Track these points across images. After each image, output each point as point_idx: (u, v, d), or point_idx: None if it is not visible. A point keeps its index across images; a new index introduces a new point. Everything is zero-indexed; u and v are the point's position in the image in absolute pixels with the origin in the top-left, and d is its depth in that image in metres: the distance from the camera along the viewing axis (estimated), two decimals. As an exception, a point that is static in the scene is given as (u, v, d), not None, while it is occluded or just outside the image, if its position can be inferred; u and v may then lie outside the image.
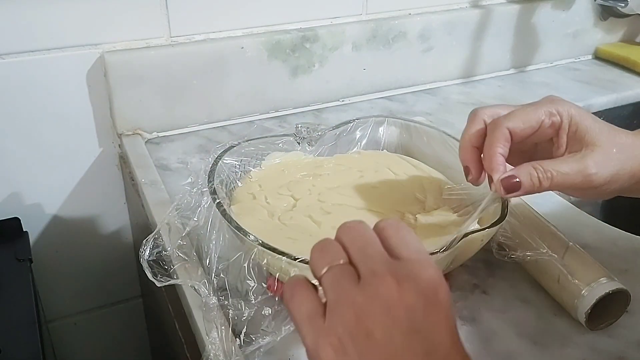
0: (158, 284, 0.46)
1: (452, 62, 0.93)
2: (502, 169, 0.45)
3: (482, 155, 0.47)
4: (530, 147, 0.49)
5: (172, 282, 0.47)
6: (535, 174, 0.44)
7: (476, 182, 0.48)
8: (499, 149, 0.45)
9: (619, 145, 0.45)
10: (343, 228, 0.35)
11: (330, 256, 0.33)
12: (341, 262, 0.33)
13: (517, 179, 0.44)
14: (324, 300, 0.32)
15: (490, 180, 0.46)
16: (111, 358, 0.93)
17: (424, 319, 0.30)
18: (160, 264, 0.49)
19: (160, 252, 0.49)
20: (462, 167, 0.49)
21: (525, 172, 0.44)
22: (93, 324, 0.88)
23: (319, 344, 0.31)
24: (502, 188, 0.44)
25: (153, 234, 0.49)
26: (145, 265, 0.47)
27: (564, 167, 0.44)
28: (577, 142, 0.45)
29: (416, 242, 0.33)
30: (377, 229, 0.34)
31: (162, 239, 0.49)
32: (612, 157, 0.45)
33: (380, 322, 0.30)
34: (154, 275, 0.47)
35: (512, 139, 0.45)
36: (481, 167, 0.47)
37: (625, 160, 0.45)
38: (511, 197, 0.45)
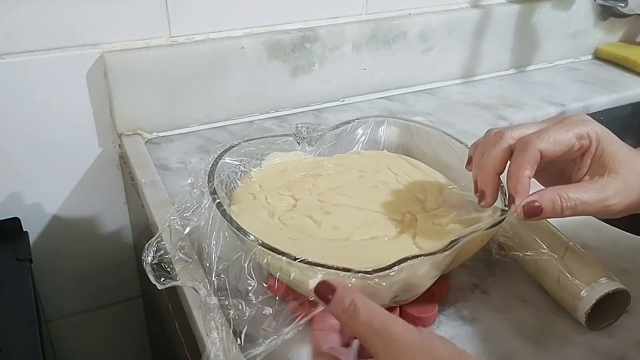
0: (160, 287, 0.46)
1: (452, 62, 0.93)
2: (526, 194, 0.44)
3: (503, 174, 0.46)
4: (549, 165, 0.47)
5: (173, 283, 0.47)
6: (559, 202, 0.43)
7: (488, 207, 0.47)
8: (527, 171, 0.44)
9: (639, 173, 0.45)
10: None
11: None
12: None
13: (539, 204, 0.43)
14: None
15: (512, 201, 0.45)
16: (111, 358, 0.93)
17: None
18: (163, 266, 0.49)
19: (162, 255, 0.49)
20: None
21: (549, 199, 0.43)
22: (93, 324, 0.88)
23: None
24: (522, 212, 0.43)
25: (155, 237, 0.49)
26: (148, 269, 0.47)
27: (586, 196, 0.44)
28: (600, 167, 0.45)
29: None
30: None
31: (163, 242, 0.49)
32: (632, 186, 0.44)
33: None
34: (157, 278, 0.47)
35: (540, 160, 0.45)
36: (497, 193, 0.46)
37: None
38: (528, 220, 0.44)
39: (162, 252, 0.49)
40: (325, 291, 0.35)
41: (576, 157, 0.47)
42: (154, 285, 0.47)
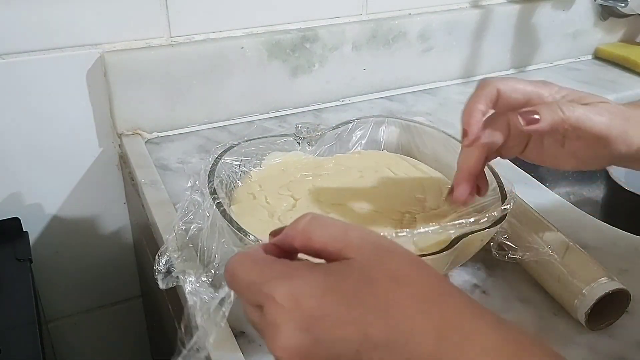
0: (162, 286, 0.47)
1: (452, 62, 0.93)
2: (476, 125, 0.45)
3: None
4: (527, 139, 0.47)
5: (176, 284, 0.47)
6: (558, 108, 0.43)
7: (470, 146, 0.47)
8: (481, 105, 0.45)
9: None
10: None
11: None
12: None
13: (537, 111, 0.43)
14: None
15: (465, 134, 0.46)
16: (111, 358, 0.93)
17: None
18: (172, 272, 0.49)
19: (170, 261, 0.49)
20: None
21: (547, 108, 0.43)
22: (93, 324, 0.88)
23: None
24: (521, 118, 0.43)
25: (163, 247, 0.49)
26: (160, 277, 0.47)
27: (583, 109, 0.44)
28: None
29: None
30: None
31: (169, 250, 0.49)
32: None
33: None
34: (167, 285, 0.47)
35: (497, 102, 0.45)
36: (479, 133, 0.47)
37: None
38: (530, 130, 0.44)
39: (170, 259, 0.49)
40: (277, 231, 0.35)
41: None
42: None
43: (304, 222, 0.33)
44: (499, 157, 0.49)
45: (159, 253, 0.48)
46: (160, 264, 0.48)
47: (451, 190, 0.49)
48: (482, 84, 0.46)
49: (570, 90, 0.47)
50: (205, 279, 0.45)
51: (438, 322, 0.28)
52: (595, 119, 0.43)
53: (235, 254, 0.33)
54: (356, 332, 0.28)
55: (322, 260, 0.32)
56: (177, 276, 0.47)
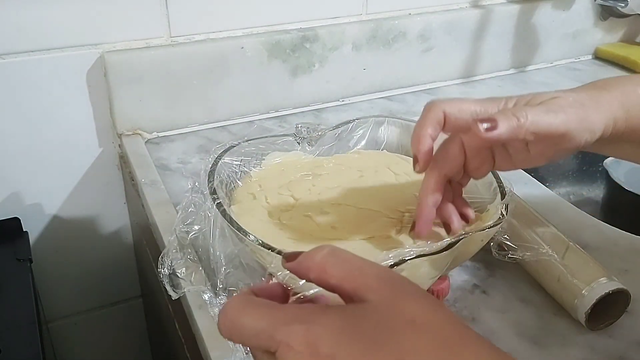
0: (175, 297, 0.47)
1: (452, 62, 0.93)
2: (427, 152, 0.44)
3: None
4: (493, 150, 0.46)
5: (184, 290, 0.48)
6: (515, 116, 0.40)
7: (422, 172, 0.46)
8: (429, 129, 0.44)
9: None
10: None
11: None
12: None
13: (495, 119, 0.40)
14: None
15: (415, 160, 0.44)
16: (111, 358, 0.93)
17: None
18: (177, 275, 0.49)
19: (173, 264, 0.49)
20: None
21: (504, 115, 0.41)
22: (93, 324, 0.88)
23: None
24: (477, 125, 0.40)
25: (165, 250, 0.49)
26: (166, 280, 0.47)
27: (541, 113, 0.41)
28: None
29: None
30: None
31: (174, 250, 0.49)
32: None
33: None
34: (173, 288, 0.47)
35: (445, 125, 0.44)
36: (430, 159, 0.45)
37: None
38: (491, 137, 0.40)
39: (173, 261, 0.49)
40: (292, 257, 0.33)
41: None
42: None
43: (321, 255, 0.32)
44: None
45: (161, 256, 0.48)
46: (164, 266, 0.48)
47: (413, 225, 0.48)
48: (428, 107, 0.45)
49: (518, 96, 0.45)
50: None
51: None
52: (551, 118, 0.41)
53: (226, 302, 0.31)
54: None
55: (337, 296, 0.31)
56: (183, 278, 0.47)
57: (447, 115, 0.44)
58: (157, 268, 0.49)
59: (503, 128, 0.40)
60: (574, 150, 0.44)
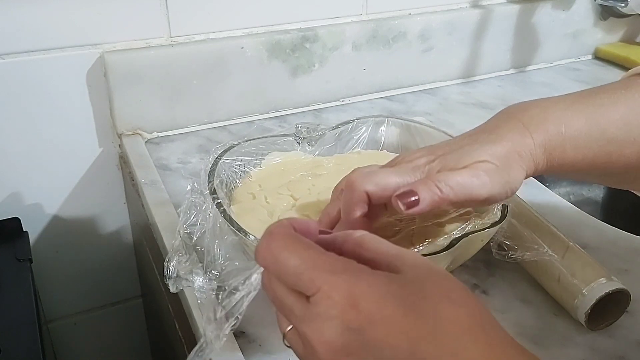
0: (173, 290, 0.47)
1: (452, 62, 0.93)
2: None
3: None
4: None
5: (182, 287, 0.47)
6: (434, 185, 0.40)
7: None
8: (357, 212, 0.42)
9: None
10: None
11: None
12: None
13: (415, 197, 0.40)
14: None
15: None
16: (111, 358, 0.93)
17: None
18: (180, 276, 0.49)
19: (178, 267, 0.49)
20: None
21: (424, 186, 0.40)
22: (93, 324, 0.88)
23: None
24: (398, 201, 0.40)
25: (171, 252, 0.49)
26: (172, 283, 0.47)
27: (460, 177, 0.41)
28: None
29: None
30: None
31: (177, 254, 0.49)
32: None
33: None
34: (177, 288, 0.47)
35: (371, 202, 0.42)
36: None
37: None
38: (412, 212, 0.40)
39: (178, 263, 0.49)
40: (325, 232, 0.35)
41: None
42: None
43: (360, 233, 0.33)
44: None
45: (167, 258, 0.48)
46: (170, 269, 0.47)
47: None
48: (349, 188, 0.43)
49: (442, 150, 0.43)
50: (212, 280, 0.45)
51: (483, 350, 0.28)
52: (473, 186, 0.40)
53: (270, 231, 0.32)
54: (407, 343, 0.28)
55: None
56: (186, 278, 0.47)
57: (370, 194, 0.42)
58: (157, 270, 0.49)
59: (424, 203, 0.40)
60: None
